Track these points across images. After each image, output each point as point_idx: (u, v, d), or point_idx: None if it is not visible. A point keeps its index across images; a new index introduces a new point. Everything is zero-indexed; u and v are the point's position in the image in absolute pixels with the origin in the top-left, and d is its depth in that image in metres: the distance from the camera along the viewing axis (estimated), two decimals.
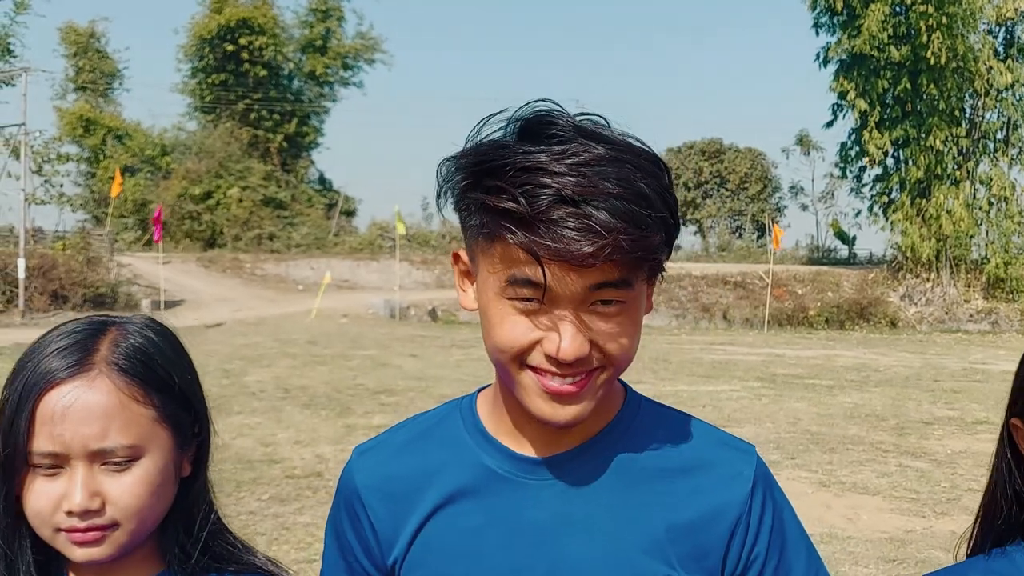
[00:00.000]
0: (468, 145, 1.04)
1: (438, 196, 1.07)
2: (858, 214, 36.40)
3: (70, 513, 1.11)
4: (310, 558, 5.24)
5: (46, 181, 32.50)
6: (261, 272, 35.19)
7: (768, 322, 27.88)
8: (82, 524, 1.11)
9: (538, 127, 1.01)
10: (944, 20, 27.83)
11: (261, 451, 7.95)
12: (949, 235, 30.02)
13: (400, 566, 1.16)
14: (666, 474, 1.15)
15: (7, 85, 30.42)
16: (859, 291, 30.74)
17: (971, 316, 29.84)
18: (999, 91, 30.48)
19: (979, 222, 31.19)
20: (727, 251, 42.42)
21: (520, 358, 1.03)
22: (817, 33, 31.60)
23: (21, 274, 25.90)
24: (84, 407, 1.11)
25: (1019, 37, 31.20)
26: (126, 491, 1.13)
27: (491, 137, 1.03)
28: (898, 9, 29.16)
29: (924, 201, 30.43)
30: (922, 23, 27.91)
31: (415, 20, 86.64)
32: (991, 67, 29.95)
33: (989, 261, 30.46)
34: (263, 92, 42.04)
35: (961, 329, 28.65)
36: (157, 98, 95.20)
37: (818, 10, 30.75)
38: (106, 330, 1.17)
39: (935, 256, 30.44)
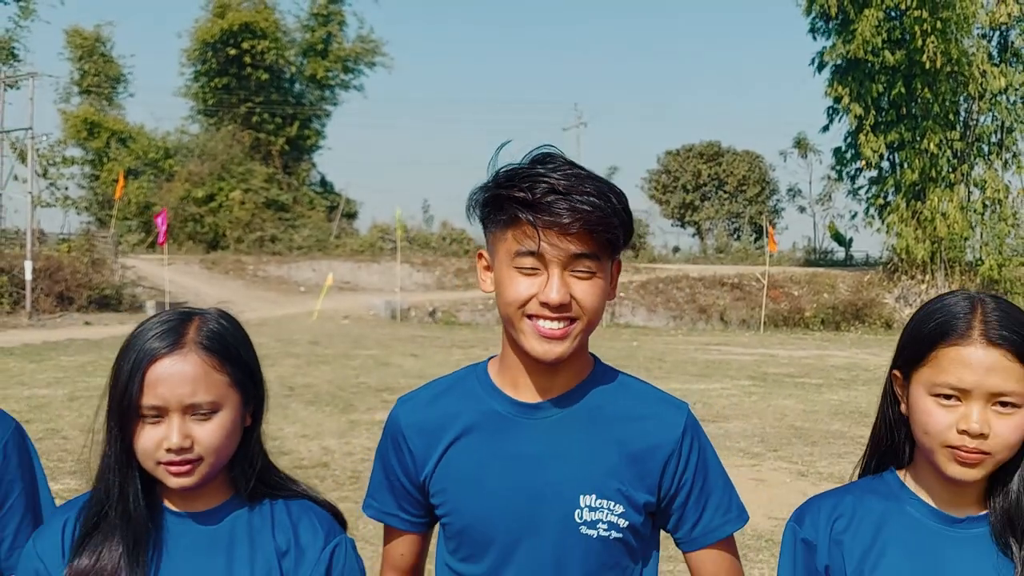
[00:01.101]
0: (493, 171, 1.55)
1: (468, 210, 1.57)
2: (854, 216, 36.82)
3: (169, 450, 1.52)
4: None
5: (51, 184, 32.89)
6: (263, 274, 35.56)
7: (764, 323, 28.26)
8: (177, 458, 1.53)
9: (541, 158, 1.53)
10: (938, 25, 28.17)
11: (270, 444, 8.22)
12: (943, 237, 30.36)
13: (429, 482, 1.62)
14: (622, 419, 1.61)
15: (12, 88, 30.80)
16: (855, 293, 31.09)
17: None
18: (993, 95, 30.83)
19: (973, 224, 31.53)
20: (725, 253, 42.79)
21: (523, 308, 1.50)
22: (813, 38, 32.05)
23: (28, 276, 26.27)
24: (180, 373, 1.52)
25: (1013, 42, 31.59)
26: (209, 435, 1.54)
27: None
28: (892, 14, 29.50)
29: (919, 203, 30.78)
30: (916, 28, 28.25)
31: (415, 23, 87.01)
32: (985, 71, 30.28)
33: (983, 263, 30.81)
34: (265, 95, 42.41)
35: None
36: (160, 102, 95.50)
37: (813, 15, 31.14)
38: (192, 319, 1.59)
39: (930, 258, 30.79)
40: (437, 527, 1.70)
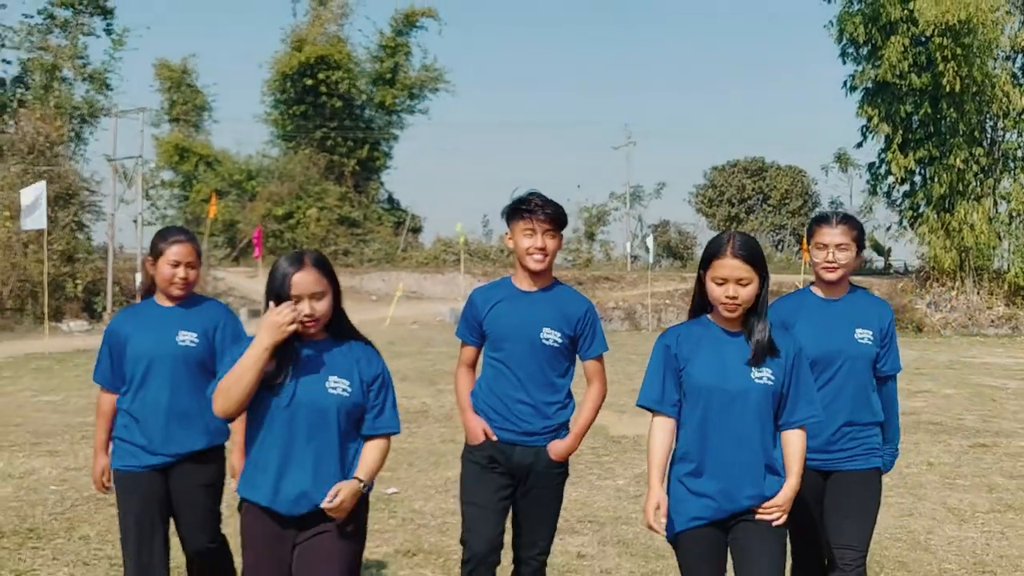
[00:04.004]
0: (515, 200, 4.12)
1: (501, 215, 4.24)
2: (889, 228, 38.63)
3: (307, 316, 3.16)
4: (434, 443, 8.63)
5: (152, 205, 36.55)
6: None
7: None
8: (308, 319, 3.15)
9: (531, 193, 4.21)
10: (958, 51, 30.06)
11: None
12: (971, 247, 32.00)
13: (484, 319, 4.08)
14: (563, 300, 4.18)
15: (117, 118, 34.37)
16: (888, 299, 32.21)
17: (992, 321, 31.70)
18: (1018, 114, 32.43)
19: (1000, 235, 33.15)
20: (769, 263, 44.66)
21: (527, 251, 3.98)
22: (844, 62, 34.08)
23: (138, 286, 29.89)
24: (307, 278, 3.16)
25: None
26: (322, 307, 3.18)
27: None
28: (921, 39, 31.39)
29: (948, 215, 32.43)
30: (938, 54, 30.20)
31: (476, 51, 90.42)
32: (1007, 92, 32.02)
33: (1009, 270, 32.43)
34: (338, 121, 45.60)
35: (981, 333, 30.57)
36: (242, 128, 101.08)
37: (844, 42, 33.29)
38: (304, 254, 3.25)
39: (958, 266, 32.47)
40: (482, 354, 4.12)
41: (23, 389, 13.25)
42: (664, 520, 3.35)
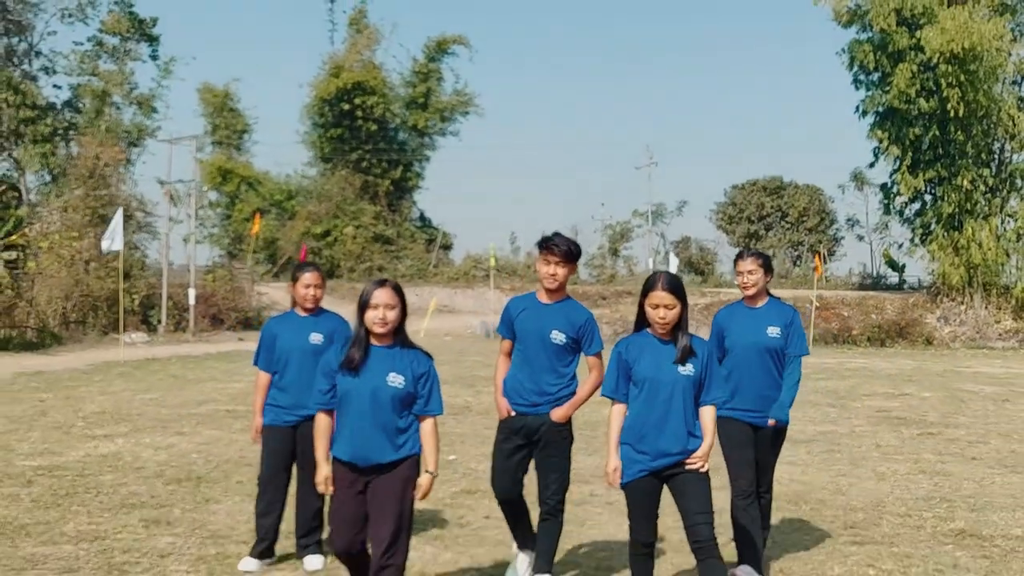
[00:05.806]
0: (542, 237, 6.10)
1: (536, 246, 6.12)
2: (901, 245, 40.06)
3: (380, 319, 4.43)
4: (479, 429, 10.58)
5: (200, 224, 38.84)
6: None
7: (814, 340, 31.59)
8: (381, 321, 4.43)
9: (552, 235, 6.01)
10: (962, 78, 31.62)
11: None
12: (978, 264, 33.42)
13: (514, 322, 5.59)
14: (571, 311, 5.86)
15: (172, 144, 36.75)
16: (900, 314, 33.53)
17: (1000, 335, 33.02)
18: None
19: (1007, 252, 34.51)
20: (786, 278, 46.47)
21: (544, 275, 5.50)
22: (856, 88, 35.75)
23: (192, 301, 32.06)
24: (386, 293, 4.47)
25: None
26: (393, 314, 4.47)
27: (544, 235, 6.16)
28: (929, 65, 32.91)
29: (957, 233, 33.75)
30: (943, 80, 31.80)
31: (506, 76, 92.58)
32: (1013, 116, 33.53)
33: (1016, 286, 33.79)
34: (373, 144, 47.86)
35: (988, 346, 31.86)
36: (283, 150, 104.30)
37: (855, 69, 35.00)
38: (386, 280, 4.59)
39: (967, 282, 33.85)
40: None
41: (122, 390, 15.29)
42: (618, 478, 4.69)
